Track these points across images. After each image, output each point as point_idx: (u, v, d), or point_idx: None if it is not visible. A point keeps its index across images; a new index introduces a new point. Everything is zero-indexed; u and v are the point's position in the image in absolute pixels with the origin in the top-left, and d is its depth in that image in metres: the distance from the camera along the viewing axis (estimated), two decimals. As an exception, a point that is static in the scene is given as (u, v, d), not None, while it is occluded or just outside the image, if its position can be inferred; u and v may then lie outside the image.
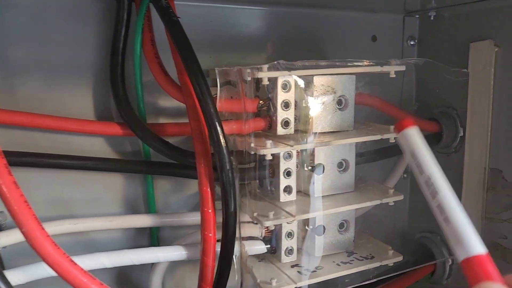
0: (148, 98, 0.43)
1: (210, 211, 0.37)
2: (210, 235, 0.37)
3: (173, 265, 0.47)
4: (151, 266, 0.42)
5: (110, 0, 0.40)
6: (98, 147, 0.43)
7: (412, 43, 0.55)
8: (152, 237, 0.46)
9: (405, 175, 0.58)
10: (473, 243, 0.23)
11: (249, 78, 0.37)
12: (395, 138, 0.39)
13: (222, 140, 0.35)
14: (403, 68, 0.41)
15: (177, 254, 0.39)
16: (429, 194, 0.26)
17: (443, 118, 0.51)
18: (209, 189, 0.37)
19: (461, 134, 0.50)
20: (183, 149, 0.40)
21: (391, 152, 0.48)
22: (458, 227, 0.24)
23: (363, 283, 0.42)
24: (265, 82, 0.37)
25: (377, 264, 0.43)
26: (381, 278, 0.44)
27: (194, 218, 0.43)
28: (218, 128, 0.35)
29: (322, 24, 0.51)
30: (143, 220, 0.42)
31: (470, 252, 0.23)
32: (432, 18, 0.52)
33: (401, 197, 0.43)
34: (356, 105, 0.43)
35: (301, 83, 0.39)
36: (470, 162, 0.49)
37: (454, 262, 0.53)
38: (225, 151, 0.35)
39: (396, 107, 0.49)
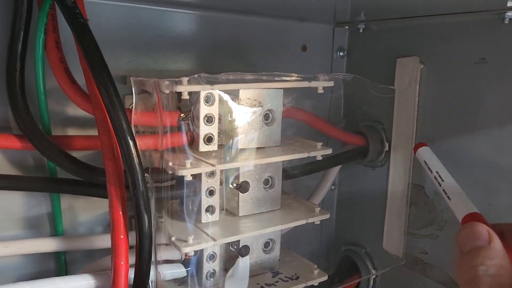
0: (54, 107, 0.38)
1: (122, 237, 0.33)
2: (122, 263, 0.33)
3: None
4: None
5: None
6: (-7, 162, 0.37)
7: (341, 54, 0.55)
8: (58, 261, 0.41)
9: (332, 187, 0.57)
10: (468, 207, 0.32)
11: (167, 91, 0.33)
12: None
13: (135, 157, 0.31)
14: (331, 84, 0.39)
15: (84, 284, 0.35)
16: (437, 184, 0.38)
17: (369, 132, 0.51)
18: (120, 213, 0.33)
19: (387, 148, 0.50)
20: (92, 166, 0.36)
21: (320, 167, 0.47)
22: (456, 198, 0.34)
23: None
24: (185, 96, 0.33)
25: (302, 286, 0.41)
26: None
27: (106, 241, 0.39)
28: (131, 143, 0.31)
29: (250, 31, 0.49)
30: (46, 245, 0.38)
31: (465, 212, 0.31)
32: (361, 31, 0.52)
33: (327, 216, 0.42)
34: (284, 119, 0.41)
35: (226, 97, 0.36)
36: (394, 177, 0.50)
37: (379, 276, 0.54)
38: (138, 169, 0.32)
39: (324, 121, 0.47)
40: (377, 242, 0.52)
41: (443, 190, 0.37)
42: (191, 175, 0.35)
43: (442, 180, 0.38)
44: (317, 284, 0.43)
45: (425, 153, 0.42)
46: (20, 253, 0.37)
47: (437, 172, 0.39)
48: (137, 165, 0.32)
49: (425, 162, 0.41)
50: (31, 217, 0.40)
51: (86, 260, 0.42)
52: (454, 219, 0.43)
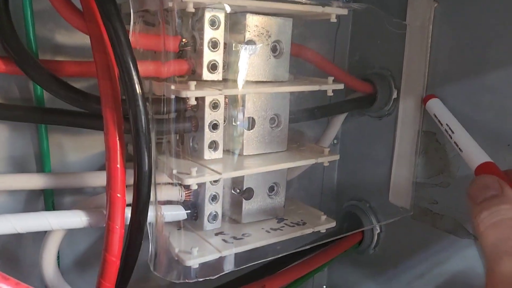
0: (41, 32, 0.35)
1: (118, 166, 0.30)
2: (119, 195, 0.30)
3: (74, 235, 0.40)
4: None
5: None
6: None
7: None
8: (46, 204, 0.38)
9: (335, 141, 0.55)
10: (480, 157, 0.32)
11: (170, 4, 0.30)
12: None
13: (136, 83, 0.28)
14: (345, 11, 0.37)
15: (76, 220, 0.32)
16: (448, 136, 0.38)
17: (377, 79, 0.48)
18: (117, 139, 0.30)
19: (395, 96, 0.48)
20: (86, 93, 0.33)
21: (328, 110, 0.45)
22: (468, 149, 0.34)
23: (296, 250, 0.38)
24: (190, 9, 0.30)
25: (309, 231, 0.39)
26: (314, 245, 0.40)
27: (100, 178, 0.36)
28: (132, 66, 0.28)
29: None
30: (33, 181, 0.34)
31: (479, 161, 0.32)
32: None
33: (337, 157, 0.40)
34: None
35: (237, 28, 0.33)
36: (403, 125, 0.47)
37: (383, 230, 0.52)
38: (139, 96, 0.29)
39: (333, 64, 0.45)
40: (382, 195, 0.50)
41: (455, 142, 0.37)
42: (196, 100, 0.32)
43: (453, 132, 0.37)
44: (324, 230, 0.40)
45: (435, 106, 0.42)
46: (4, 188, 0.34)
47: (447, 124, 0.39)
48: (138, 89, 0.28)
49: (435, 115, 0.41)
50: (17, 153, 0.37)
51: (76, 204, 0.39)
52: (466, 166, 0.42)
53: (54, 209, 0.38)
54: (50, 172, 0.38)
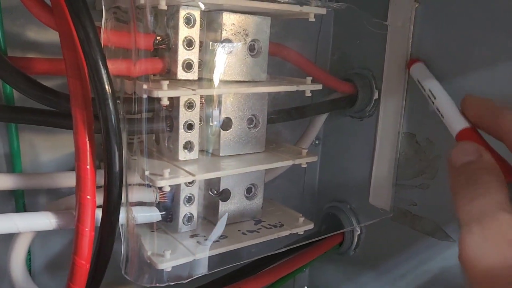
0: (11, 28, 0.34)
1: (88, 167, 0.29)
2: (88, 197, 0.30)
3: (47, 236, 0.39)
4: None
5: None
6: None
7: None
8: (17, 204, 0.37)
9: (316, 141, 0.54)
10: (461, 122, 0.31)
11: (142, 1, 0.29)
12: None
13: (106, 82, 0.28)
14: (324, 11, 0.36)
15: (44, 222, 0.31)
16: (430, 102, 0.37)
17: (358, 80, 0.48)
18: (87, 140, 0.29)
19: (376, 97, 0.47)
20: (57, 91, 0.32)
21: (307, 111, 0.44)
22: (450, 116, 0.33)
23: (270, 254, 0.37)
24: (162, 6, 0.29)
25: (286, 233, 0.39)
26: (290, 247, 0.39)
27: (72, 179, 0.35)
28: (101, 64, 0.27)
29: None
30: (3, 181, 0.33)
31: (460, 127, 0.31)
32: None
33: (315, 158, 0.39)
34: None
35: (212, 26, 0.32)
36: (384, 126, 0.47)
37: (363, 231, 0.51)
38: (108, 96, 0.28)
39: (313, 64, 0.44)
40: (363, 197, 0.50)
41: (436, 108, 0.36)
42: (169, 100, 0.31)
43: (435, 98, 0.37)
44: (302, 232, 0.40)
45: (419, 70, 0.41)
46: (-29, 189, 0.33)
47: (429, 90, 0.38)
48: (107, 91, 0.28)
49: (418, 81, 0.40)
50: (-15, 153, 0.36)
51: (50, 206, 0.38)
52: (446, 168, 0.41)
53: (25, 211, 0.37)
54: (21, 172, 0.37)
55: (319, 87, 0.38)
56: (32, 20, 0.31)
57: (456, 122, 0.32)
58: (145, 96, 0.31)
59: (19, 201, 0.37)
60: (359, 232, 0.51)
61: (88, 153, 0.29)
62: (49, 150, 0.38)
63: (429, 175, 0.43)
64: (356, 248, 0.52)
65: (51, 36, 0.35)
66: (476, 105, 0.30)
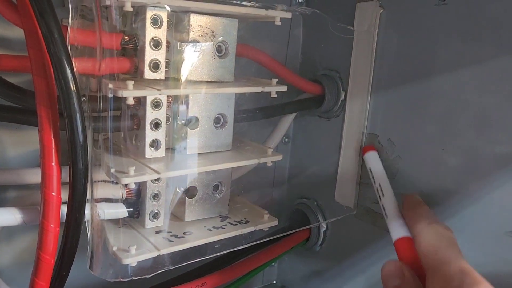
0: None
1: (53, 164, 0.30)
2: (53, 194, 0.30)
3: (13, 231, 0.39)
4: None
5: None
6: None
7: (300, 0, 0.52)
8: (-17, 200, 0.37)
9: (286, 139, 0.56)
10: (399, 231, 0.35)
11: (108, 2, 0.30)
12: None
13: (70, 80, 0.28)
14: (289, 15, 0.37)
15: (9, 218, 0.32)
16: (378, 196, 0.40)
17: (326, 81, 0.49)
18: (52, 137, 0.30)
19: (342, 98, 0.49)
20: (22, 88, 0.32)
21: (275, 111, 0.45)
22: (392, 220, 0.36)
23: (236, 249, 0.39)
24: (128, 8, 0.30)
25: (251, 229, 0.40)
26: (255, 243, 0.40)
27: (38, 175, 0.35)
28: (66, 64, 0.28)
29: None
30: (-33, 177, 0.33)
31: (398, 235, 0.35)
32: (321, -26, 0.50)
33: (280, 157, 0.40)
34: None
35: (180, 27, 0.33)
36: (349, 127, 0.49)
37: (328, 228, 0.53)
38: (73, 94, 0.28)
39: (281, 64, 0.45)
40: (329, 194, 0.51)
41: (382, 205, 0.38)
42: (134, 101, 0.32)
43: (383, 195, 0.39)
44: (267, 229, 0.41)
45: (372, 159, 0.43)
46: None
47: (379, 184, 0.40)
48: (72, 89, 0.28)
49: (370, 170, 0.42)
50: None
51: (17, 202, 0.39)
52: (406, 169, 0.43)
53: (-9, 206, 0.38)
54: (-14, 167, 0.37)
55: (283, 88, 0.39)
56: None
57: (396, 229, 0.35)
58: (110, 95, 0.31)
59: (-15, 196, 0.37)
60: (324, 228, 0.53)
61: (53, 150, 0.30)
62: (15, 146, 0.38)
63: (390, 175, 0.45)
64: (322, 243, 0.54)
65: (18, 32, 0.35)
66: (407, 208, 0.36)
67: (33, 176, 0.35)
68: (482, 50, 0.37)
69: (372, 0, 0.45)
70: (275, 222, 0.41)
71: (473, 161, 0.38)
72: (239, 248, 0.38)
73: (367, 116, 0.47)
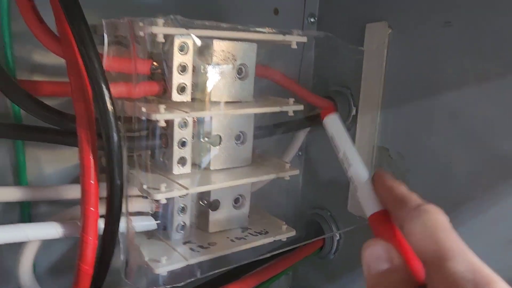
0: (19, 52, 0.37)
1: (92, 182, 0.33)
2: (92, 209, 0.33)
3: (48, 244, 0.42)
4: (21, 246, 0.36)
5: None
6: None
7: (312, 20, 0.55)
8: (22, 214, 0.40)
9: (300, 153, 0.58)
10: (373, 205, 0.29)
11: (141, 33, 0.33)
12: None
13: (109, 103, 0.31)
14: (304, 39, 0.40)
15: (52, 231, 0.34)
16: (344, 168, 0.33)
17: (338, 97, 0.52)
18: (91, 157, 0.33)
19: (354, 113, 0.51)
20: (61, 111, 0.35)
21: (290, 127, 0.48)
22: (362, 194, 0.30)
23: (256, 259, 0.41)
24: (160, 39, 0.33)
25: (271, 239, 0.42)
26: (274, 253, 0.43)
27: (74, 192, 0.38)
28: (104, 88, 0.31)
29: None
30: (12, 193, 0.36)
31: (372, 210, 0.29)
32: (332, -3, 0.53)
33: (296, 172, 0.43)
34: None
35: (204, 53, 0.36)
36: (360, 140, 0.51)
37: (342, 237, 0.55)
38: (111, 115, 0.31)
39: (296, 83, 0.48)
40: (341, 205, 0.53)
41: (350, 177, 0.32)
42: (164, 121, 0.35)
43: (349, 165, 0.33)
44: (285, 239, 0.43)
45: (333, 124, 0.35)
46: (-18, 201, 0.36)
47: (344, 153, 0.33)
48: (110, 110, 0.31)
49: (332, 138, 0.35)
50: (-7, 167, 0.39)
51: (51, 214, 0.41)
52: (415, 180, 0.46)
53: (30, 219, 0.40)
54: (26, 184, 0.40)
55: (300, 107, 0.41)
56: (38, 44, 0.34)
57: (370, 203, 0.29)
58: (144, 118, 0.34)
59: (25, 210, 0.40)
60: (338, 238, 0.55)
61: (92, 169, 0.33)
62: (51, 163, 0.41)
63: (401, 186, 0.47)
64: (336, 252, 0.56)
65: (55, 58, 0.38)
66: (383, 188, 0.29)
67: (69, 192, 0.38)
68: (486, 66, 0.40)
69: (381, 21, 0.47)
70: (292, 233, 0.44)
71: (480, 172, 0.40)
72: (261, 257, 0.40)
73: (377, 130, 0.49)
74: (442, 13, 0.42)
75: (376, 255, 0.26)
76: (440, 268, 0.22)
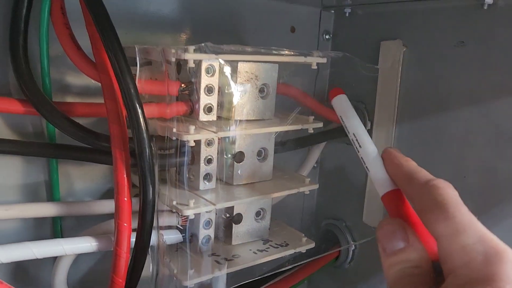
0: (54, 75, 0.39)
1: (126, 199, 0.35)
2: (125, 225, 0.35)
3: (78, 257, 0.44)
4: (54, 259, 0.38)
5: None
6: (-8, 126, 0.38)
7: (327, 37, 0.57)
8: (54, 228, 0.42)
9: (315, 165, 0.60)
10: (385, 184, 0.29)
11: (173, 59, 0.35)
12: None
13: (143, 124, 0.33)
14: (324, 60, 0.42)
15: (86, 245, 0.36)
16: (355, 148, 0.34)
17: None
18: (125, 176, 0.34)
19: (369, 127, 0.53)
20: (96, 132, 0.37)
21: (308, 141, 0.50)
22: (374, 175, 0.31)
23: (280, 270, 0.43)
24: (191, 64, 0.35)
25: (291, 251, 0.44)
26: (296, 265, 0.45)
27: (104, 207, 0.40)
28: (139, 110, 0.33)
29: (243, 11, 0.51)
30: (47, 209, 0.38)
31: (383, 190, 0.29)
32: (347, 15, 0.55)
33: (316, 186, 0.45)
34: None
35: (227, 69, 0.38)
36: (376, 154, 0.53)
37: (357, 247, 0.57)
38: (145, 135, 0.33)
39: (314, 99, 0.50)
40: (357, 216, 0.55)
41: (361, 158, 0.33)
42: (194, 144, 0.36)
43: (360, 146, 0.34)
44: (304, 251, 0.45)
45: (342, 105, 0.37)
46: (21, 216, 0.38)
47: (354, 135, 0.34)
48: (144, 131, 0.33)
49: (341, 118, 0.36)
50: (29, 183, 0.41)
51: (80, 227, 0.43)
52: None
53: (62, 233, 0.42)
54: (59, 199, 0.42)
55: (319, 125, 0.43)
56: (72, 67, 0.36)
57: (381, 183, 0.30)
58: (174, 138, 0.36)
59: (57, 224, 0.42)
60: (353, 248, 0.57)
61: (126, 187, 0.35)
62: (82, 179, 0.43)
63: (415, 199, 0.49)
64: (351, 261, 0.58)
65: (86, 80, 0.40)
66: (392, 165, 0.29)
67: (100, 208, 0.40)
68: (498, 82, 0.41)
69: (395, 39, 0.49)
70: (312, 245, 0.45)
71: (493, 184, 0.42)
72: (284, 269, 0.42)
73: (392, 143, 0.51)
74: (455, 33, 0.44)
75: (392, 234, 0.26)
76: (452, 242, 0.23)
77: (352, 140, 0.34)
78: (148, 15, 0.44)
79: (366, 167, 0.32)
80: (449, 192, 0.25)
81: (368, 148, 0.32)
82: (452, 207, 0.24)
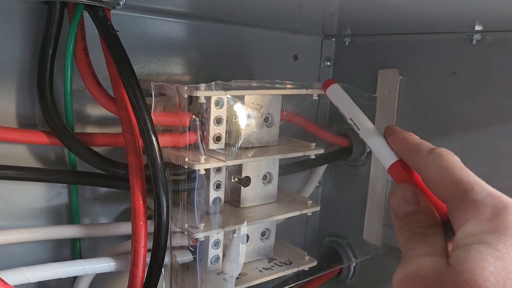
0: (75, 107, 0.42)
1: (142, 223, 0.38)
2: (142, 247, 0.38)
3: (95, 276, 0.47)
4: (74, 278, 0.41)
5: (37, 1, 0.39)
6: (19, 155, 0.41)
7: (328, 64, 0.60)
8: (74, 249, 0.45)
9: (318, 184, 0.63)
10: (389, 157, 0.31)
11: (186, 96, 0.38)
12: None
13: (158, 155, 0.36)
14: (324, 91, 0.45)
15: (105, 266, 0.39)
16: (356, 131, 0.35)
17: (353, 135, 0.57)
18: (141, 202, 0.38)
19: (368, 150, 0.56)
20: (115, 161, 0.40)
21: (310, 164, 0.53)
22: (377, 150, 0.32)
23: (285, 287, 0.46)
24: (202, 100, 0.38)
25: (295, 270, 0.47)
26: (300, 282, 0.47)
27: (121, 228, 0.43)
28: (155, 143, 0.36)
29: (248, 41, 0.54)
30: (69, 231, 0.41)
31: (388, 162, 0.30)
32: (347, 43, 0.58)
33: (317, 208, 0.48)
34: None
35: (234, 102, 0.41)
36: (374, 175, 0.56)
37: (358, 263, 0.60)
38: (160, 165, 0.36)
39: (316, 125, 0.53)
40: (357, 233, 0.58)
41: (363, 139, 0.35)
42: (204, 171, 0.40)
43: (358, 129, 0.35)
44: (307, 269, 0.48)
45: (336, 94, 0.40)
46: (44, 238, 0.41)
47: (351, 119, 0.36)
48: (159, 160, 0.36)
49: (337, 107, 0.39)
50: (51, 208, 0.44)
51: (98, 247, 0.47)
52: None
53: (80, 252, 0.45)
54: (78, 222, 0.45)
55: (320, 151, 0.46)
56: (92, 99, 0.39)
57: (385, 157, 0.31)
58: (186, 166, 0.39)
59: (76, 244, 0.45)
60: (354, 264, 0.60)
61: (142, 212, 0.38)
62: (99, 202, 0.46)
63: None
64: (352, 277, 0.60)
65: (104, 111, 0.43)
66: (396, 140, 0.31)
67: (118, 229, 0.43)
68: (490, 109, 0.44)
69: (392, 68, 0.52)
70: (314, 263, 0.48)
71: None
72: (288, 286, 0.45)
73: (390, 166, 0.54)
74: (447, 64, 0.47)
75: (404, 198, 0.27)
76: (462, 200, 0.24)
77: (351, 124, 0.36)
78: (161, 50, 0.48)
79: (369, 146, 0.33)
80: (453, 158, 0.26)
81: (367, 130, 0.34)
82: (458, 170, 0.25)
